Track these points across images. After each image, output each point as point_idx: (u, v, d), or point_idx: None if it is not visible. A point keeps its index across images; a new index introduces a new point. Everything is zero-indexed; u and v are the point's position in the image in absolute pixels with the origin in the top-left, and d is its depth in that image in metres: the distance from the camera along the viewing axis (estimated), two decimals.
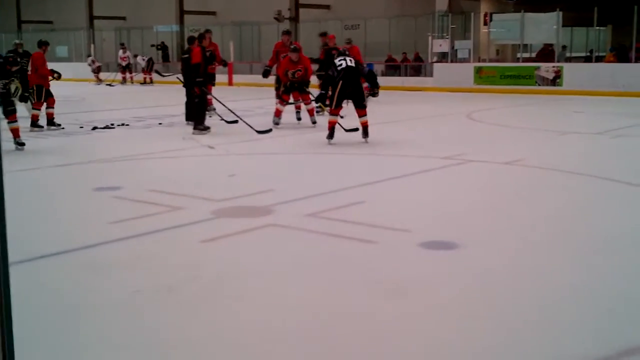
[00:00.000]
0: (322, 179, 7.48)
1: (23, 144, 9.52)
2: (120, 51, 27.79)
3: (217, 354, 3.22)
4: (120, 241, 5.09)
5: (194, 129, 11.29)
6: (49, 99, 12.41)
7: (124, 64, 27.42)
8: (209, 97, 12.34)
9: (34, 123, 12.13)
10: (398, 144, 10.03)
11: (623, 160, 8.70)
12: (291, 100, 12.36)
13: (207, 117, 11.95)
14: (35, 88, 12.09)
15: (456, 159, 8.53)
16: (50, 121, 12.36)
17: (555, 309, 3.72)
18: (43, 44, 13.05)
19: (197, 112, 11.41)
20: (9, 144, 9.39)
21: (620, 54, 20.35)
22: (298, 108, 12.75)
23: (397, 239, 5.07)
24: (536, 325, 3.50)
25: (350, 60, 9.89)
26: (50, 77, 12.65)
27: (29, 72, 12.26)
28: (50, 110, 12.41)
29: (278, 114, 12.21)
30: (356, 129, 9.87)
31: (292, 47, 12.35)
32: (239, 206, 6.16)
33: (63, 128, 12.24)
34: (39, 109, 12.33)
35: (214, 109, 12.80)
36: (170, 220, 5.64)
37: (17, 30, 37.71)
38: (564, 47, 23.08)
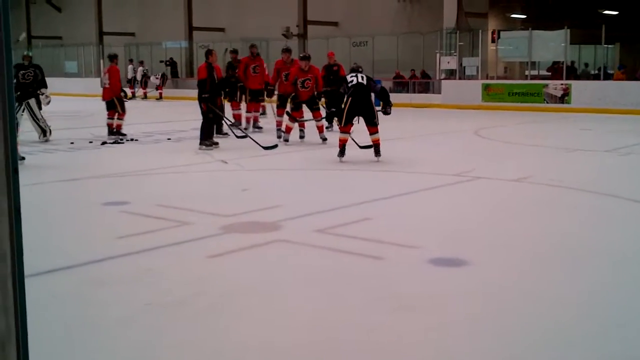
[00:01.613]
0: (330, 195, 7.47)
1: (23, 158, 9.54)
2: (131, 67, 28.02)
3: None
4: (127, 256, 5.09)
5: (200, 144, 11.32)
6: (111, 111, 13.22)
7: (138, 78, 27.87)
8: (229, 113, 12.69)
9: (118, 132, 13.09)
10: (406, 161, 10.02)
11: (631, 178, 8.67)
12: (304, 117, 12.39)
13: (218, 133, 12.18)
14: (116, 100, 13.02)
15: (464, 176, 8.52)
16: (118, 132, 13.13)
17: (563, 327, 3.69)
18: (115, 57, 13.70)
19: (203, 127, 11.43)
20: None
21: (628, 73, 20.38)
22: (302, 126, 12.64)
23: (406, 255, 5.06)
24: (544, 344, 3.47)
25: (362, 77, 9.88)
26: (121, 93, 13.41)
27: (106, 86, 13.22)
28: (119, 121, 13.21)
29: (288, 130, 12.20)
30: (371, 146, 9.84)
31: (302, 55, 12.49)
32: (247, 221, 6.16)
33: (127, 138, 12.94)
34: (123, 119, 13.26)
35: (238, 124, 13.02)
36: (178, 236, 5.64)
37: (27, 45, 37.95)
38: (586, 64, 23.06)
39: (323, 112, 12.25)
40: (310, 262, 4.98)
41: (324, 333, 3.61)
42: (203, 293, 4.28)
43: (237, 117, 14.17)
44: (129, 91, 14.86)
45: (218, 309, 4.00)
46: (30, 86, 12.05)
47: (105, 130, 13.25)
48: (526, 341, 3.51)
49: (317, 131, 12.27)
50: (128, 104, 13.54)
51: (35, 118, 12.21)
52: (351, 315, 3.86)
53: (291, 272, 4.75)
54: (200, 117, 11.47)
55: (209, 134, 11.49)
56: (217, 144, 11.44)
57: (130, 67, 28.23)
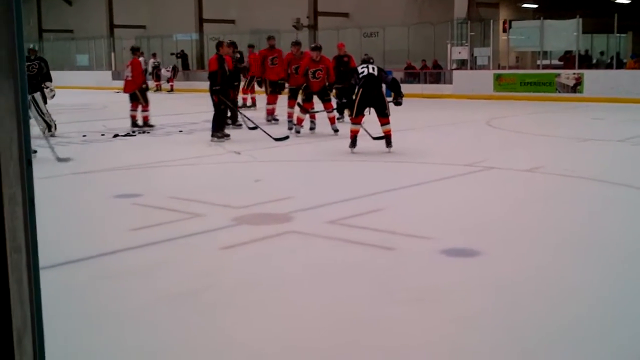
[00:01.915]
0: (342, 186, 7.47)
1: (34, 151, 9.51)
2: (142, 59, 27.99)
3: None
4: (140, 248, 5.10)
5: (212, 135, 11.33)
6: (134, 103, 13.50)
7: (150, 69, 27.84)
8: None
9: (145, 124, 13.41)
10: (418, 151, 10.00)
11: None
12: (315, 108, 12.35)
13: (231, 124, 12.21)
14: (138, 92, 13.21)
15: (476, 166, 8.50)
16: (145, 123, 13.49)
17: (576, 320, 3.68)
18: (137, 50, 14.06)
19: (215, 119, 11.45)
20: None
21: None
22: (313, 117, 12.63)
23: (418, 246, 5.05)
24: (555, 336, 3.46)
25: (373, 68, 9.85)
26: (143, 85, 13.65)
27: (128, 78, 13.45)
28: (145, 113, 13.58)
29: (300, 122, 12.18)
30: (383, 137, 9.82)
31: (313, 45, 12.48)
32: (259, 213, 6.16)
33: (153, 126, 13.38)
34: (148, 110, 13.57)
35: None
36: (190, 228, 5.65)
37: (38, 38, 38.08)
38: (601, 53, 22.88)
39: (334, 103, 12.24)
40: (322, 254, 4.98)
41: (336, 325, 3.61)
42: (215, 285, 4.29)
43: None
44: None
45: (230, 301, 4.01)
46: (35, 79, 11.93)
47: (122, 122, 13.34)
48: (539, 334, 3.50)
49: (329, 122, 12.24)
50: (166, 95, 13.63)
51: (40, 112, 11.88)
52: (363, 308, 3.86)
53: (303, 263, 4.75)
54: (212, 109, 11.48)
55: (220, 126, 11.50)
56: (228, 135, 11.45)
57: (151, 60, 28.18)
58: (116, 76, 30.96)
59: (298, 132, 12.11)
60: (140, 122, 13.48)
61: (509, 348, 3.32)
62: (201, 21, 32.39)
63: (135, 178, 8.28)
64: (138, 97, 13.41)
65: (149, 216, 6.10)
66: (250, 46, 15.34)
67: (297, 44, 13.16)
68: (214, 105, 11.41)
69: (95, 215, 6.37)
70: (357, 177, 8.30)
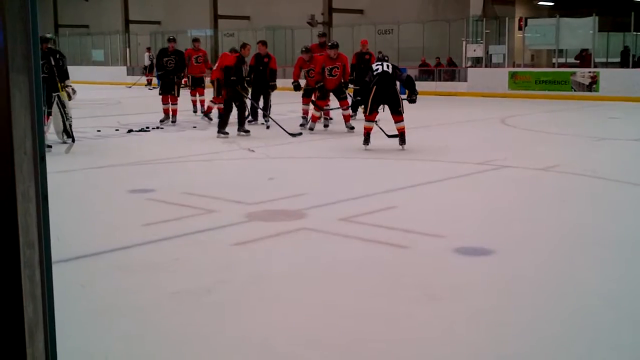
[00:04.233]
0: (355, 184, 7.46)
1: (49, 147, 9.48)
2: (147, 54, 27.97)
3: (249, 358, 3.22)
4: (153, 243, 5.12)
5: (218, 132, 11.50)
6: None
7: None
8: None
9: (208, 114, 13.99)
10: (432, 149, 9.97)
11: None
12: (331, 105, 12.33)
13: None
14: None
15: (491, 164, 8.47)
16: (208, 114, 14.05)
17: (588, 317, 3.66)
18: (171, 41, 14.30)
19: (220, 116, 11.66)
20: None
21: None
22: (327, 115, 12.69)
23: (431, 244, 5.04)
24: (569, 334, 3.45)
25: (388, 65, 9.85)
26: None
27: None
28: (174, 106, 13.83)
29: (314, 119, 12.18)
30: (397, 135, 9.82)
31: (330, 43, 12.38)
32: (272, 209, 6.17)
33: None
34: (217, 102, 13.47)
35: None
36: (203, 223, 5.66)
37: (54, 33, 38.26)
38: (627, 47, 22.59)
39: (350, 101, 12.26)
40: (335, 251, 4.97)
41: (349, 322, 3.61)
42: (229, 281, 4.29)
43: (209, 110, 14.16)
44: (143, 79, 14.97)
45: (243, 297, 4.01)
46: (61, 77, 10.72)
47: (136, 118, 13.46)
48: (551, 331, 3.48)
49: (344, 120, 12.25)
50: (154, 92, 13.66)
51: (65, 116, 10.53)
52: (377, 304, 3.86)
53: (316, 260, 4.75)
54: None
55: (223, 122, 11.57)
56: (227, 133, 11.45)
57: (146, 55, 28.17)
58: (131, 71, 31.12)
59: (311, 129, 12.11)
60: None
61: (525, 339, 3.30)
62: (216, 17, 32.43)
63: (149, 173, 8.30)
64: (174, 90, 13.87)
65: (163, 211, 6.12)
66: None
67: (307, 51, 13.01)
68: (224, 101, 11.52)
69: (109, 210, 6.39)
70: (370, 174, 8.29)
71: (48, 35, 11.54)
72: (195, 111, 15.26)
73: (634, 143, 10.65)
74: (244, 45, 12.15)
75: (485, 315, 3.71)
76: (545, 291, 4.09)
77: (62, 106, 10.49)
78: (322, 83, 12.05)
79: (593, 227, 5.60)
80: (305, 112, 12.67)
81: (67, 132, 10.60)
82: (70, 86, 10.73)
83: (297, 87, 13.29)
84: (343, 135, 11.72)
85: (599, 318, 3.67)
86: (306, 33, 26.71)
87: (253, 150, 9.88)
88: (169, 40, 14.37)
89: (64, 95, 10.51)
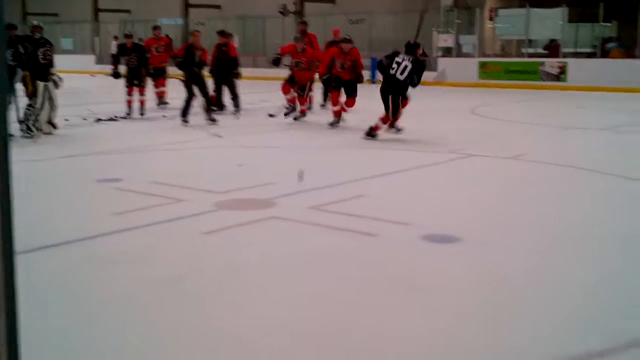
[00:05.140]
0: (324, 173, 7.47)
1: (11, 135, 9.28)
2: (114, 43, 27.59)
3: (220, 347, 3.22)
4: (122, 233, 5.09)
5: (181, 120, 11.63)
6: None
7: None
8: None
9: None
10: (402, 138, 10.01)
11: (626, 156, 8.67)
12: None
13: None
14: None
15: (460, 153, 8.53)
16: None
17: (553, 302, 3.72)
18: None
19: (184, 103, 11.72)
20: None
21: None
22: (303, 102, 12.41)
23: (400, 232, 5.07)
24: (529, 318, 3.50)
25: (405, 67, 9.62)
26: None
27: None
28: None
29: (337, 114, 11.43)
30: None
31: (343, 37, 11.79)
32: (241, 198, 6.16)
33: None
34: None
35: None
36: (172, 212, 5.64)
37: (22, 22, 37.68)
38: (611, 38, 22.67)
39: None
40: (305, 240, 4.99)
41: (319, 310, 3.63)
42: (199, 270, 4.29)
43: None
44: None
45: (214, 286, 4.01)
46: (50, 66, 10.50)
47: (105, 107, 13.32)
48: (517, 315, 3.53)
49: (334, 115, 11.51)
50: (120, 82, 13.46)
51: (54, 106, 10.42)
52: (346, 291, 3.88)
53: (285, 249, 4.76)
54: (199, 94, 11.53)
55: (185, 110, 11.61)
56: (187, 121, 11.49)
57: (114, 43, 27.76)
58: (100, 60, 30.78)
59: (296, 118, 11.97)
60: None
61: (489, 325, 3.35)
62: (187, 6, 32.20)
63: (117, 163, 8.24)
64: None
65: (131, 201, 6.08)
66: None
67: (300, 38, 12.46)
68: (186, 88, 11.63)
69: (77, 200, 6.34)
70: (340, 163, 8.31)
71: (35, 23, 11.34)
72: (158, 104, 14.59)
73: (600, 132, 10.78)
74: (192, 33, 12.13)
75: (453, 302, 3.74)
76: (514, 276, 4.14)
77: (51, 96, 10.33)
78: (327, 76, 11.51)
79: (559, 215, 5.67)
80: (291, 101, 12.55)
81: (53, 124, 10.51)
82: (56, 74, 10.57)
83: (276, 61, 13.05)
84: (314, 125, 11.70)
85: (568, 303, 3.72)
86: (277, 22, 26.64)
87: (221, 136, 9.87)
88: (126, 36, 13.88)
89: (50, 85, 10.35)
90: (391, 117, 9.78)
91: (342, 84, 11.32)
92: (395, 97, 9.74)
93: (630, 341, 3.23)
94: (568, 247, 4.79)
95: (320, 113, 12.86)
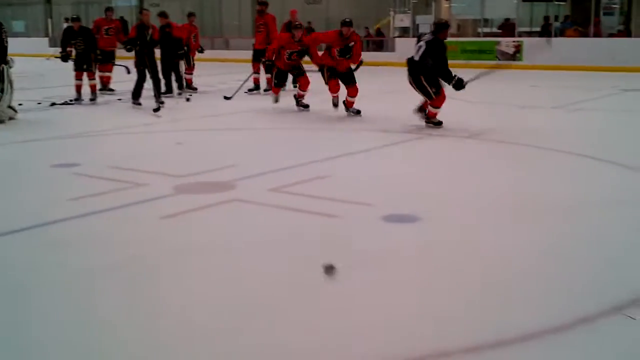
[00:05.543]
0: (284, 154, 7.47)
1: None
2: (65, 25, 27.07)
3: (176, 332, 3.22)
4: (80, 218, 5.04)
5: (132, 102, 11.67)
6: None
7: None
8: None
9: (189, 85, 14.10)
10: (358, 119, 10.05)
11: (578, 133, 8.83)
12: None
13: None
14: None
15: (417, 133, 8.60)
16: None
17: (509, 281, 3.79)
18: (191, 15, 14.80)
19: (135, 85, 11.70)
20: None
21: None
22: (276, 93, 11.53)
23: (360, 212, 5.10)
24: (493, 295, 3.57)
25: (420, 47, 9.12)
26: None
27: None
28: (188, 76, 14.33)
29: (350, 104, 10.59)
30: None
31: (344, 20, 10.58)
32: (200, 182, 6.14)
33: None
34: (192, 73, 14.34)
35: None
36: (130, 197, 5.60)
37: None
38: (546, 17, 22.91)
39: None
40: (265, 221, 4.99)
41: (279, 292, 3.64)
42: (158, 253, 4.27)
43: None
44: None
45: (174, 269, 4.00)
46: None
47: (60, 90, 13.11)
48: (475, 293, 3.59)
49: (346, 105, 10.60)
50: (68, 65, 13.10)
51: (12, 90, 10.21)
52: (308, 272, 3.90)
53: (246, 231, 4.76)
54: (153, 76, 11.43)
55: (135, 93, 11.61)
56: (140, 104, 11.46)
57: (64, 25, 27.27)
58: (53, 43, 30.20)
59: (277, 101, 11.34)
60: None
61: (451, 309, 3.40)
62: None
63: (73, 147, 8.14)
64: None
65: (89, 186, 6.02)
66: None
67: (297, 27, 11.25)
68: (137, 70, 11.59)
69: (33, 185, 6.25)
70: (299, 145, 8.32)
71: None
72: (102, 88, 13.82)
73: (554, 110, 10.95)
74: (141, 12, 12.05)
75: (415, 281, 3.80)
76: (469, 256, 4.20)
77: (10, 80, 10.12)
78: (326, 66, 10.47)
79: (515, 191, 5.75)
80: (257, 81, 12.73)
81: (13, 108, 10.28)
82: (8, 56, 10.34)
83: (112, 55, 13.15)
84: (277, 107, 11.65)
85: (520, 283, 3.80)
86: (234, 3, 26.42)
87: (160, 116, 10.04)
88: (73, 19, 13.20)
89: (6, 68, 10.09)
90: (432, 98, 9.00)
91: (336, 73, 10.43)
92: (415, 79, 9.11)
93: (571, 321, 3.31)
94: (519, 222, 4.87)
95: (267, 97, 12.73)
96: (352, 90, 10.44)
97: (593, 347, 3.03)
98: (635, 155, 7.16)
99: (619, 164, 6.74)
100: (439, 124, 9.03)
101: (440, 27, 9.23)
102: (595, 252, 4.28)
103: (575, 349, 3.02)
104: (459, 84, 9.17)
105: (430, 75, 8.98)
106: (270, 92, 12.39)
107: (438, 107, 9.04)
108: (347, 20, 10.47)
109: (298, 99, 11.20)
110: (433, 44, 9.00)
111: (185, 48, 13.92)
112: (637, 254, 4.28)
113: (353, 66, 10.62)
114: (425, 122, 9.12)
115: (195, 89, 14.22)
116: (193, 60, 14.54)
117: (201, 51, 14.94)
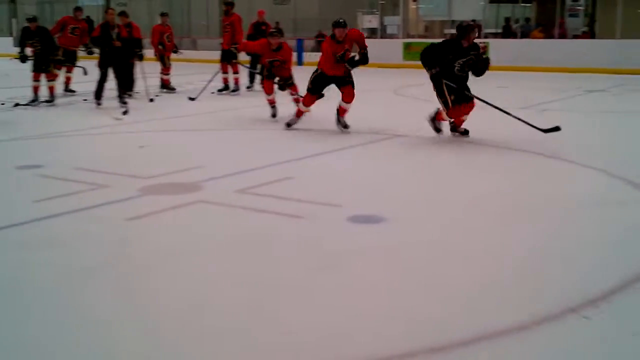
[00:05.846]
0: (250, 156, 7.46)
1: None
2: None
3: (149, 333, 3.20)
4: (45, 220, 4.98)
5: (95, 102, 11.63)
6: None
7: None
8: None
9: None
10: (325, 120, 10.04)
11: (544, 134, 8.90)
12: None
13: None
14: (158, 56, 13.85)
15: (383, 134, 8.64)
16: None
17: (476, 277, 3.82)
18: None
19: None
20: None
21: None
22: (272, 103, 10.33)
23: (326, 213, 5.11)
24: (461, 295, 3.60)
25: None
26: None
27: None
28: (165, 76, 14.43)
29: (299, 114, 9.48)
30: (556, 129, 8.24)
31: (336, 20, 9.69)
32: (166, 183, 6.10)
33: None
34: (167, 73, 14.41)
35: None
36: (96, 199, 5.55)
37: None
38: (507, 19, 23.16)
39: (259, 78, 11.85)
40: (232, 223, 4.98)
41: (247, 294, 3.64)
42: (124, 256, 4.24)
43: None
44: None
45: (141, 272, 3.98)
46: None
47: (25, 91, 12.90)
48: (443, 293, 3.62)
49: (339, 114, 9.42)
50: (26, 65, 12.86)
51: None
52: (276, 273, 3.90)
53: (212, 233, 4.74)
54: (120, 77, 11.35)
55: (97, 92, 11.59)
56: (100, 104, 11.46)
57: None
58: (17, 42, 29.79)
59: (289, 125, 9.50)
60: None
61: (420, 309, 3.42)
62: None
63: (37, 148, 8.04)
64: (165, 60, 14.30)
65: (53, 188, 5.95)
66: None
67: (273, 34, 10.21)
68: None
69: None
70: (264, 146, 8.31)
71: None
72: (65, 89, 13.74)
73: (521, 111, 11.03)
74: (106, 11, 12.02)
75: (381, 281, 3.81)
76: (436, 257, 4.23)
77: None
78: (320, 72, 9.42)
79: (479, 190, 5.78)
80: (233, 81, 12.89)
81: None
82: None
83: (74, 55, 13.28)
84: (243, 108, 11.63)
85: (491, 278, 3.83)
86: (202, 3, 26.30)
87: (120, 119, 10.07)
88: (29, 19, 12.66)
89: None
90: (448, 106, 8.54)
91: (328, 81, 9.40)
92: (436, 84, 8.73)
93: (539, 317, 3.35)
94: (484, 221, 4.91)
95: (246, 95, 12.78)
96: (347, 93, 9.23)
97: (556, 345, 3.07)
98: (606, 158, 7.21)
99: (593, 168, 6.74)
100: (465, 133, 8.64)
101: (460, 31, 8.51)
102: (551, 253, 4.34)
103: (536, 346, 3.05)
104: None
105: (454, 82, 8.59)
106: (238, 92, 12.44)
107: (449, 118, 8.58)
108: (338, 21, 9.55)
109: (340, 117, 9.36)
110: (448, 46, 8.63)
111: (161, 47, 14.17)
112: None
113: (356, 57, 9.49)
114: (451, 131, 8.68)
115: (174, 89, 14.20)
116: (169, 61, 14.43)
117: (176, 51, 14.71)
